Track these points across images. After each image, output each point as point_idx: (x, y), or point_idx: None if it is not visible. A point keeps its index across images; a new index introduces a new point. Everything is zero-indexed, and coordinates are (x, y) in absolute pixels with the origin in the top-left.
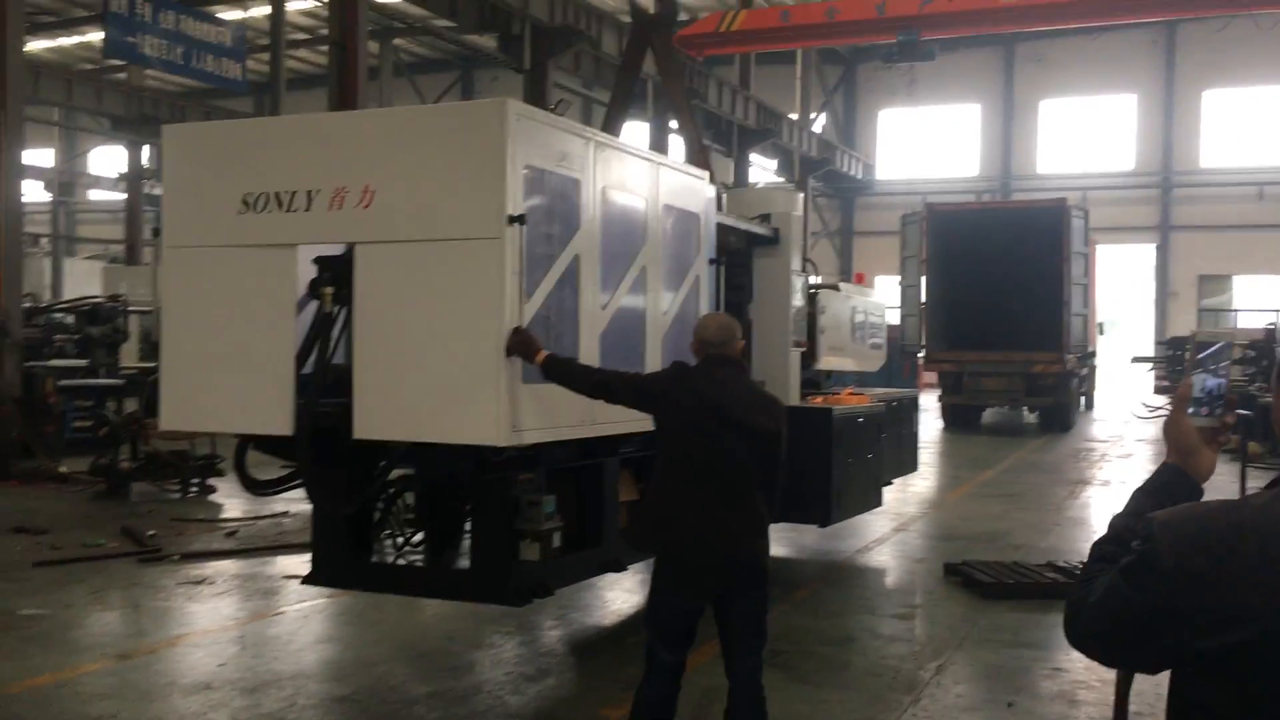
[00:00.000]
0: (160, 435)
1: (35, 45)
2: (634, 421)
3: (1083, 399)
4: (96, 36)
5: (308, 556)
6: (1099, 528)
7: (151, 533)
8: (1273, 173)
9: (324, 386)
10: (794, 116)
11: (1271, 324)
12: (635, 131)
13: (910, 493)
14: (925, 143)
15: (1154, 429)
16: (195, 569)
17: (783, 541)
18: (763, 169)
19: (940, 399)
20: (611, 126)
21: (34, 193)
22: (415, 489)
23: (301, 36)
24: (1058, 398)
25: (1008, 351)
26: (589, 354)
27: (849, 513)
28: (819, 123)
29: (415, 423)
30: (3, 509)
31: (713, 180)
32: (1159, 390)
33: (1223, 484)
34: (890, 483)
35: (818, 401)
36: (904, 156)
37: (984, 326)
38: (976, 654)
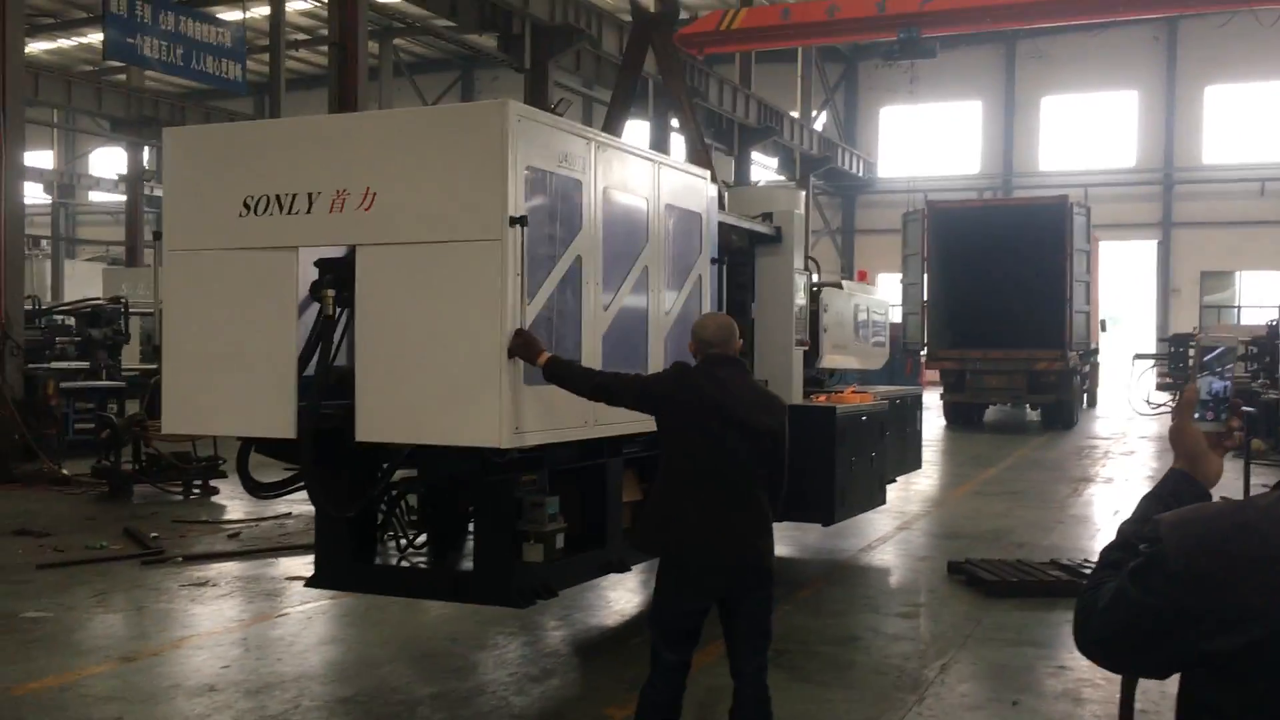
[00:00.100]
0: (162, 437)
1: (35, 47)
2: (637, 422)
3: (1085, 396)
4: (96, 38)
5: (310, 558)
6: (1102, 525)
7: (154, 535)
8: (1274, 168)
9: (326, 389)
10: (795, 114)
11: (1274, 320)
12: (636, 130)
13: (913, 491)
14: (926, 140)
15: (1156, 426)
16: (198, 571)
17: (786, 540)
18: (764, 167)
19: (942, 397)
20: (613, 126)
21: (34, 194)
22: (418, 491)
23: (301, 37)
24: (1060, 395)
25: (1010, 349)
26: (591, 355)
27: (852, 511)
28: (820, 121)
29: (417, 425)
30: (5, 511)
31: (714, 179)
32: (1161, 387)
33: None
34: (894, 480)
35: (821, 400)
36: (905, 154)
37: (986, 324)
38: (981, 652)
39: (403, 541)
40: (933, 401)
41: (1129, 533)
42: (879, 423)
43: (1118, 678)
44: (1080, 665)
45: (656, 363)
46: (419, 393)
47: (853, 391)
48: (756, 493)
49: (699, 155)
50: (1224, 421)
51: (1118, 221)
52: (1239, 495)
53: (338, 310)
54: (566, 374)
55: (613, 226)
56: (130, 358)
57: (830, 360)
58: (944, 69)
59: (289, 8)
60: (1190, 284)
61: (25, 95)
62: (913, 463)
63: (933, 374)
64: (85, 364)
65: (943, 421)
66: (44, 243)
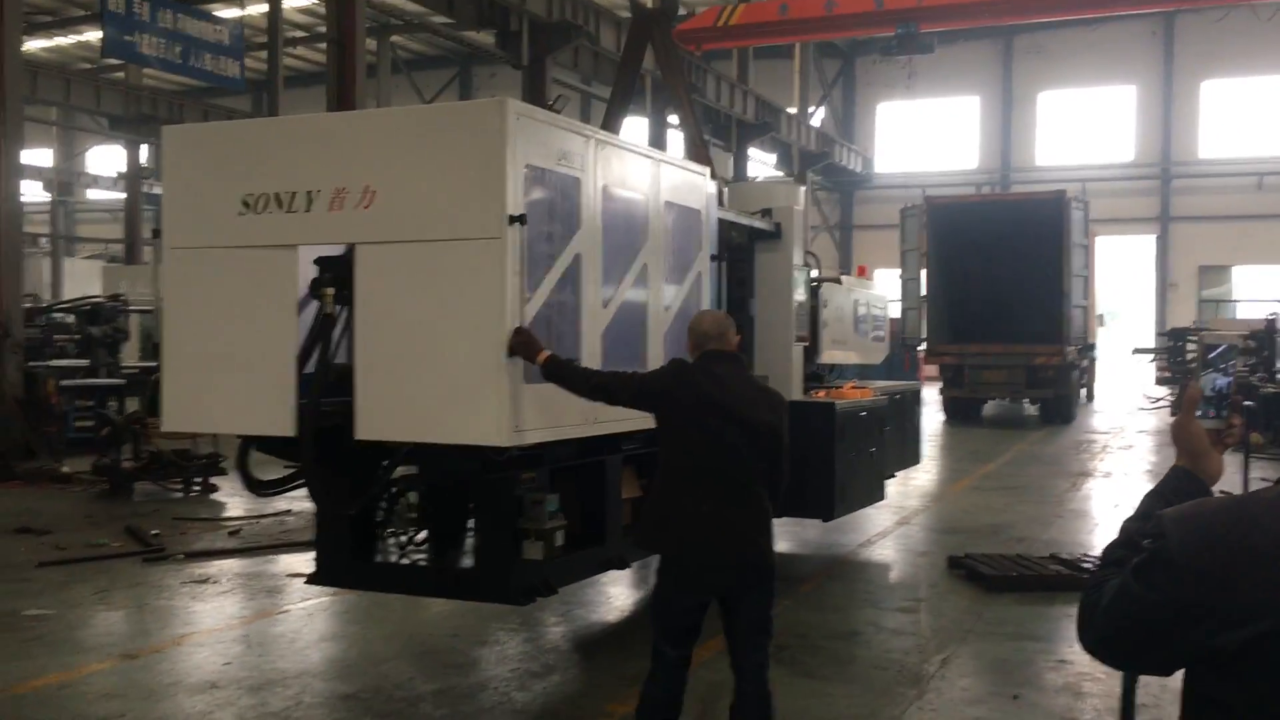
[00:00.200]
0: (162, 435)
1: (33, 45)
2: (636, 419)
3: (1083, 391)
4: (94, 36)
5: (311, 554)
6: (1101, 520)
7: (155, 532)
8: (1272, 162)
9: (326, 386)
10: (793, 110)
11: (1272, 314)
12: (634, 127)
13: (912, 486)
14: (924, 136)
15: (1155, 420)
16: (199, 568)
17: (785, 536)
18: (762, 163)
19: (941, 392)
20: (612, 123)
21: (33, 192)
22: (418, 488)
23: (299, 34)
24: (1058, 390)
25: (1008, 344)
26: (591, 352)
27: (852, 507)
28: (818, 116)
29: (417, 423)
30: (6, 509)
31: (713, 176)
32: (1160, 382)
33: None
34: (893, 476)
35: (821, 396)
36: (903, 149)
37: (984, 319)
38: (981, 647)
39: (403, 539)
40: (931, 396)
41: (1132, 530)
42: (878, 418)
43: (1118, 672)
44: (1081, 660)
45: (656, 360)
46: (419, 391)
47: (852, 387)
48: (756, 489)
49: (698, 152)
50: (1224, 419)
51: (1115, 216)
52: (1238, 490)
53: (337, 308)
54: (565, 374)
55: (612, 224)
56: (130, 355)
57: (830, 356)
58: (942, 64)
59: (287, 5)
60: (1188, 278)
61: (23, 93)
62: (912, 458)
63: (931, 369)
64: (85, 362)
65: (941, 416)
66: (43, 241)
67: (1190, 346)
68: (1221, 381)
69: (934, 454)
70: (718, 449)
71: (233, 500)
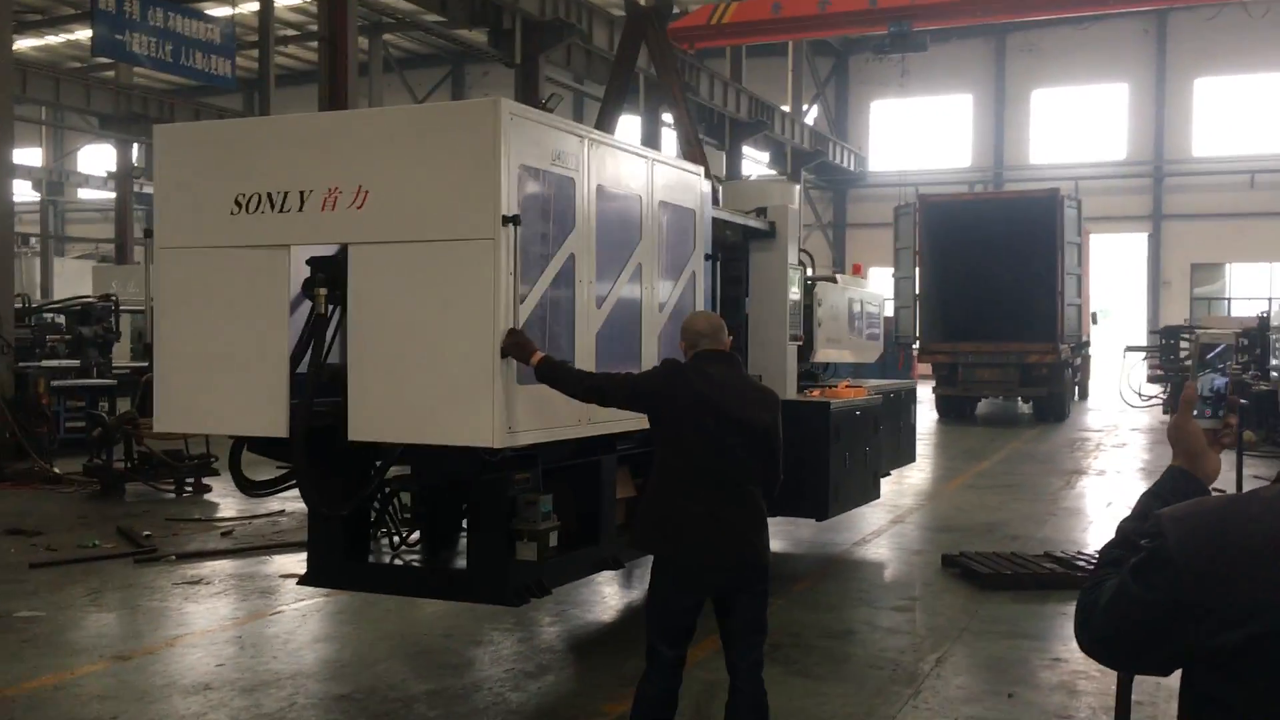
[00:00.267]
0: (154, 435)
1: (22, 44)
2: (630, 419)
3: (1077, 389)
4: (84, 35)
5: (304, 555)
6: (1095, 518)
7: (147, 533)
8: (1264, 160)
9: (319, 387)
10: (786, 109)
11: (1264, 312)
12: (627, 125)
13: (906, 484)
14: (917, 134)
15: (1147, 418)
16: (192, 569)
17: (779, 535)
18: (755, 161)
19: (935, 390)
20: (607, 121)
21: (23, 192)
22: (411, 489)
23: (290, 33)
24: (1052, 388)
25: (1002, 342)
26: (585, 353)
27: (846, 506)
28: (811, 115)
29: (410, 424)
30: None
31: (708, 175)
32: (1152, 380)
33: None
34: (888, 474)
35: (815, 395)
36: (896, 148)
37: (978, 317)
38: (976, 645)
39: (396, 539)
40: (924, 395)
41: (1129, 530)
42: (873, 417)
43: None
44: (1075, 657)
45: (650, 360)
46: (412, 392)
47: (846, 386)
48: (751, 488)
49: (692, 150)
50: (1221, 418)
51: (1108, 214)
52: (1232, 488)
53: (330, 308)
54: (559, 375)
55: (606, 224)
56: (121, 355)
57: (824, 355)
58: (935, 62)
59: (278, 3)
60: (1180, 276)
61: (13, 92)
62: (906, 456)
63: (925, 367)
64: (76, 362)
65: (935, 415)
66: (33, 240)
67: (1184, 345)
68: (1219, 381)
69: (928, 452)
70: (712, 449)
71: (225, 501)
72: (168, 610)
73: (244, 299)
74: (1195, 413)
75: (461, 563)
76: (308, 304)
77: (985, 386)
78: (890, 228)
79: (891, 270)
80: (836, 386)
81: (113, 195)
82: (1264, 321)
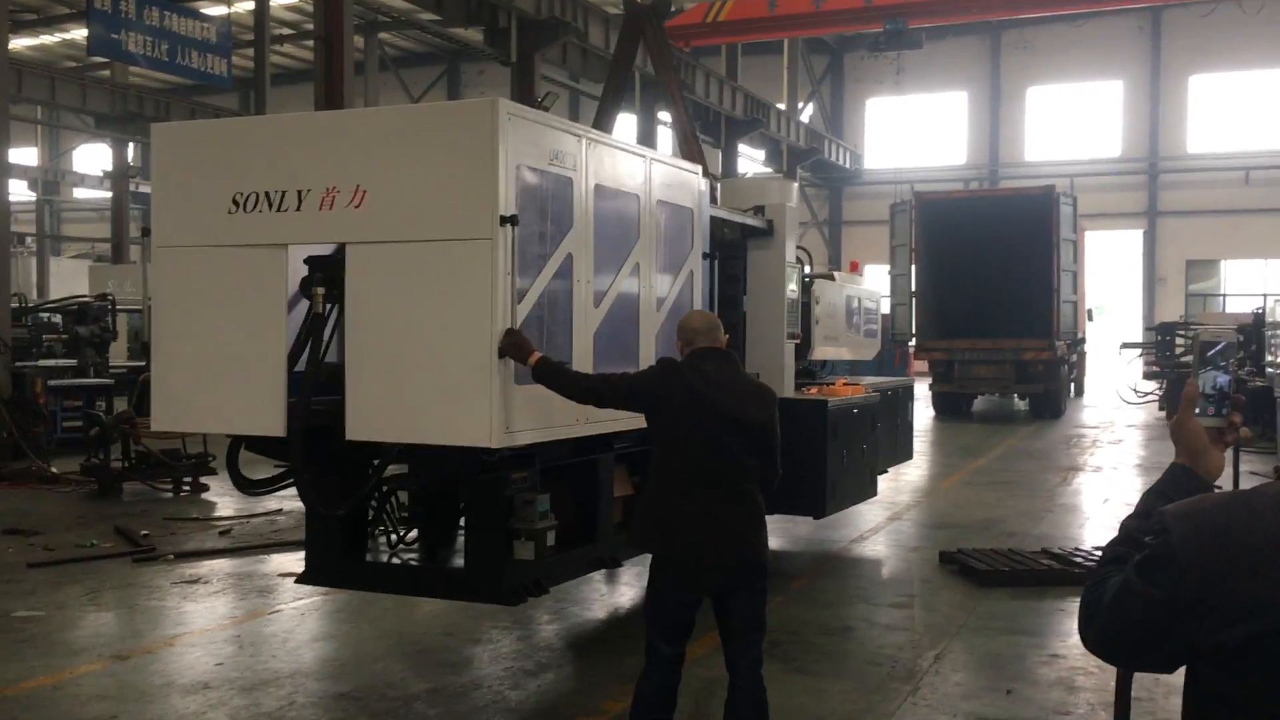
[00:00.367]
0: (151, 434)
1: (18, 43)
2: (628, 418)
3: (1073, 386)
4: (79, 34)
5: (302, 554)
6: (1092, 514)
7: (145, 532)
8: (1259, 157)
9: (316, 386)
10: (781, 106)
11: (1259, 308)
12: (623, 124)
13: (903, 481)
14: (913, 131)
15: (1143, 415)
16: (190, 568)
17: (776, 532)
18: (750, 159)
19: (931, 387)
20: (604, 120)
21: (18, 192)
22: (409, 488)
23: (286, 31)
24: (1048, 385)
25: (998, 339)
26: (583, 353)
27: (844, 504)
28: (806, 112)
29: (408, 424)
30: None
31: (706, 173)
32: (1148, 376)
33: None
34: (885, 471)
35: (813, 393)
36: (892, 145)
37: (974, 314)
38: (974, 642)
39: (394, 538)
40: (921, 392)
41: (1133, 528)
42: (870, 415)
43: (1111, 666)
44: (1073, 654)
45: (648, 359)
46: (409, 392)
47: (844, 383)
48: (749, 486)
49: (690, 149)
50: (1225, 417)
51: (1103, 211)
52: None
53: (327, 307)
54: (555, 377)
55: (604, 223)
56: (118, 355)
57: (822, 352)
58: (930, 60)
59: (274, 2)
60: (1176, 273)
61: (9, 92)
62: (904, 454)
63: (921, 365)
64: (73, 362)
65: (931, 412)
66: (29, 240)
67: (1180, 341)
68: (1221, 379)
69: (924, 449)
70: (709, 447)
71: (223, 500)
72: (166, 609)
73: (242, 298)
74: (1198, 410)
75: (459, 562)
76: (305, 303)
77: (981, 383)
78: (886, 225)
79: (888, 268)
80: (834, 384)
81: (109, 195)
82: (1259, 318)
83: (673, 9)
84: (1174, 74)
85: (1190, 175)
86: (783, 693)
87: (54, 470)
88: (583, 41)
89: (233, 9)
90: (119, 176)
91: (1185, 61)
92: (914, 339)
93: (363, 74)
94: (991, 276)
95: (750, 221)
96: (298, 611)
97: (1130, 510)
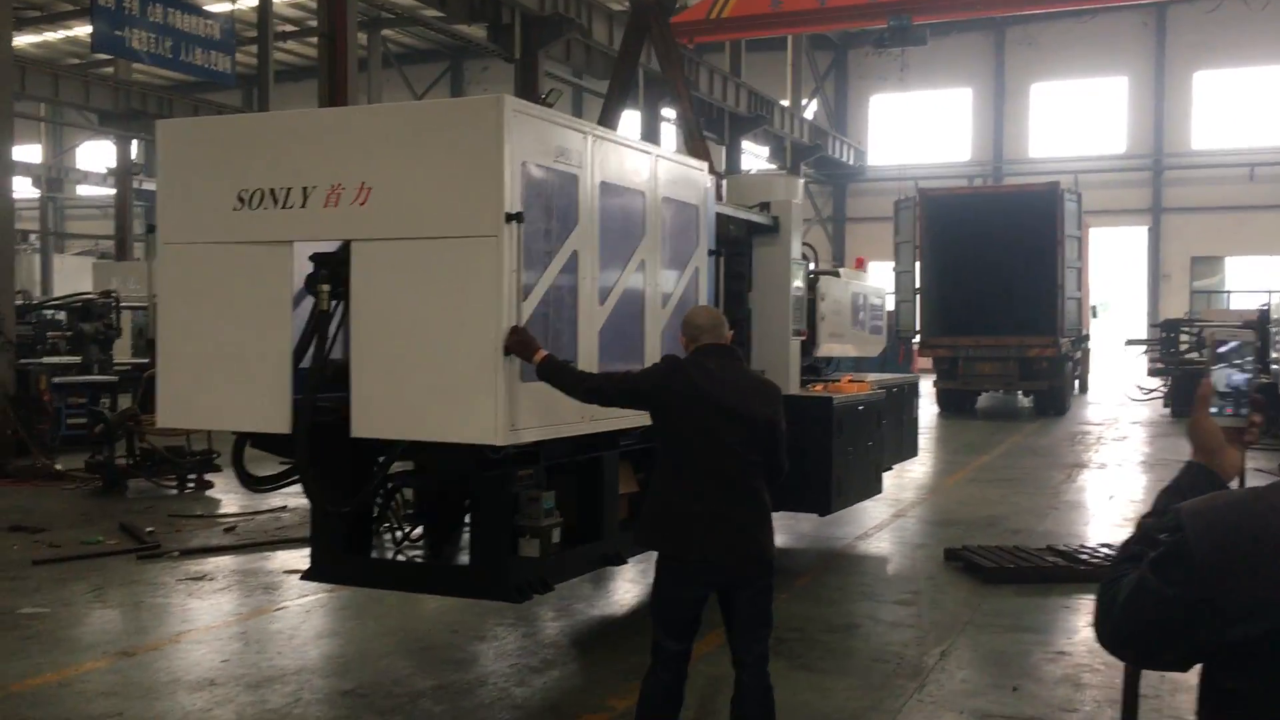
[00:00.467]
0: (156, 431)
1: (21, 40)
2: (632, 416)
3: (1077, 382)
4: (83, 31)
5: (307, 551)
6: (1097, 511)
7: (149, 529)
8: (1264, 153)
9: (321, 383)
10: (785, 103)
11: (1264, 305)
12: (627, 121)
13: (908, 478)
14: (917, 128)
15: (1148, 411)
16: (195, 565)
17: (780, 529)
18: (754, 156)
19: (935, 384)
20: (610, 116)
21: (22, 189)
22: (414, 485)
23: (289, 28)
24: (1052, 381)
25: (1002, 336)
26: (588, 350)
27: (849, 501)
28: (810, 109)
29: (413, 421)
30: None
31: (712, 170)
32: (1153, 373)
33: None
34: (890, 468)
35: (818, 389)
36: (896, 142)
37: (978, 311)
38: (979, 639)
39: (399, 535)
40: (925, 389)
41: (1148, 526)
42: (876, 412)
43: (1118, 663)
44: (1079, 651)
45: (653, 356)
46: (415, 389)
47: (849, 380)
48: (754, 483)
49: (695, 145)
50: (1244, 417)
51: (1108, 207)
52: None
53: (333, 304)
54: (560, 376)
55: (609, 220)
56: (122, 352)
57: (828, 349)
58: (934, 56)
59: None
60: (1180, 269)
61: (13, 89)
62: (909, 450)
63: (925, 361)
64: (77, 359)
65: (935, 409)
66: (32, 237)
67: (1184, 338)
68: (1237, 378)
69: (929, 446)
70: (714, 444)
71: (227, 497)
72: (171, 606)
73: (247, 295)
74: (1214, 411)
75: (464, 559)
76: (310, 300)
77: (985, 380)
78: (890, 222)
79: (891, 264)
80: (839, 381)
81: (112, 192)
82: (1264, 315)
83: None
84: (1179, 70)
85: (1195, 172)
86: (788, 690)
87: (59, 467)
88: (586, 38)
89: (236, 6)
90: (122, 173)
91: (1190, 58)
92: (918, 336)
93: (366, 71)
94: (996, 273)
95: (756, 218)
96: (303, 608)
97: (1135, 509)
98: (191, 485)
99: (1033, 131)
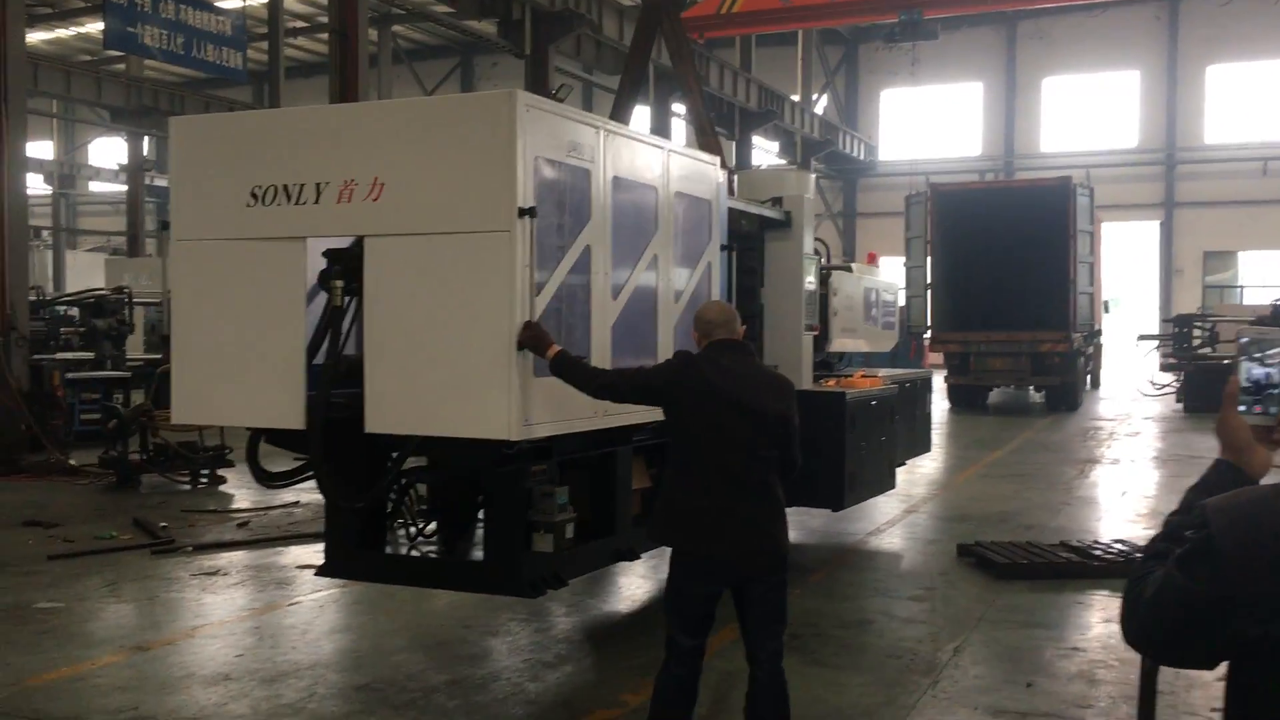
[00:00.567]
0: (169, 426)
1: (33, 37)
2: (645, 411)
3: (1089, 378)
4: (94, 28)
5: (320, 546)
6: (1110, 507)
7: (163, 524)
8: (1276, 148)
9: (336, 379)
10: (795, 98)
11: (1277, 300)
12: (637, 116)
13: (919, 474)
14: (928, 122)
15: (1160, 407)
16: (209, 560)
17: (792, 525)
18: (764, 151)
19: (946, 379)
20: (621, 111)
21: (34, 185)
22: (428, 480)
23: (300, 24)
24: (1064, 377)
25: (1014, 331)
26: (601, 345)
27: (862, 496)
28: (821, 104)
29: (427, 416)
30: (13, 502)
31: (723, 165)
32: (1165, 368)
33: None
34: (903, 464)
35: (831, 385)
36: (906, 137)
37: (990, 306)
38: (993, 635)
39: (412, 530)
40: (936, 384)
41: (1174, 524)
42: (889, 407)
43: (1132, 659)
44: (1093, 647)
45: (666, 351)
46: (428, 384)
47: (862, 375)
48: (767, 478)
49: (707, 140)
50: (1272, 415)
51: (1120, 202)
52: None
53: (346, 300)
54: (573, 372)
55: (622, 215)
56: (134, 348)
57: (840, 344)
58: (945, 51)
59: None
60: (1192, 264)
61: (26, 86)
62: (922, 446)
63: (936, 357)
64: (90, 354)
65: (946, 404)
66: (44, 233)
67: (1197, 333)
68: (1258, 372)
69: (940, 442)
70: (726, 440)
71: (240, 492)
72: (185, 601)
73: (260, 291)
74: (1243, 409)
75: (478, 554)
76: (324, 296)
77: (997, 376)
78: (901, 217)
79: (902, 259)
80: (852, 376)
81: (124, 188)
82: (1277, 309)
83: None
84: (1191, 64)
85: (1207, 166)
86: (802, 685)
87: (72, 462)
88: (597, 34)
89: (247, 2)
90: (134, 170)
91: (1203, 51)
92: (929, 331)
93: (376, 67)
94: (1007, 268)
95: (768, 213)
96: (316, 603)
97: (1148, 504)
98: (204, 481)
99: (1044, 126)
